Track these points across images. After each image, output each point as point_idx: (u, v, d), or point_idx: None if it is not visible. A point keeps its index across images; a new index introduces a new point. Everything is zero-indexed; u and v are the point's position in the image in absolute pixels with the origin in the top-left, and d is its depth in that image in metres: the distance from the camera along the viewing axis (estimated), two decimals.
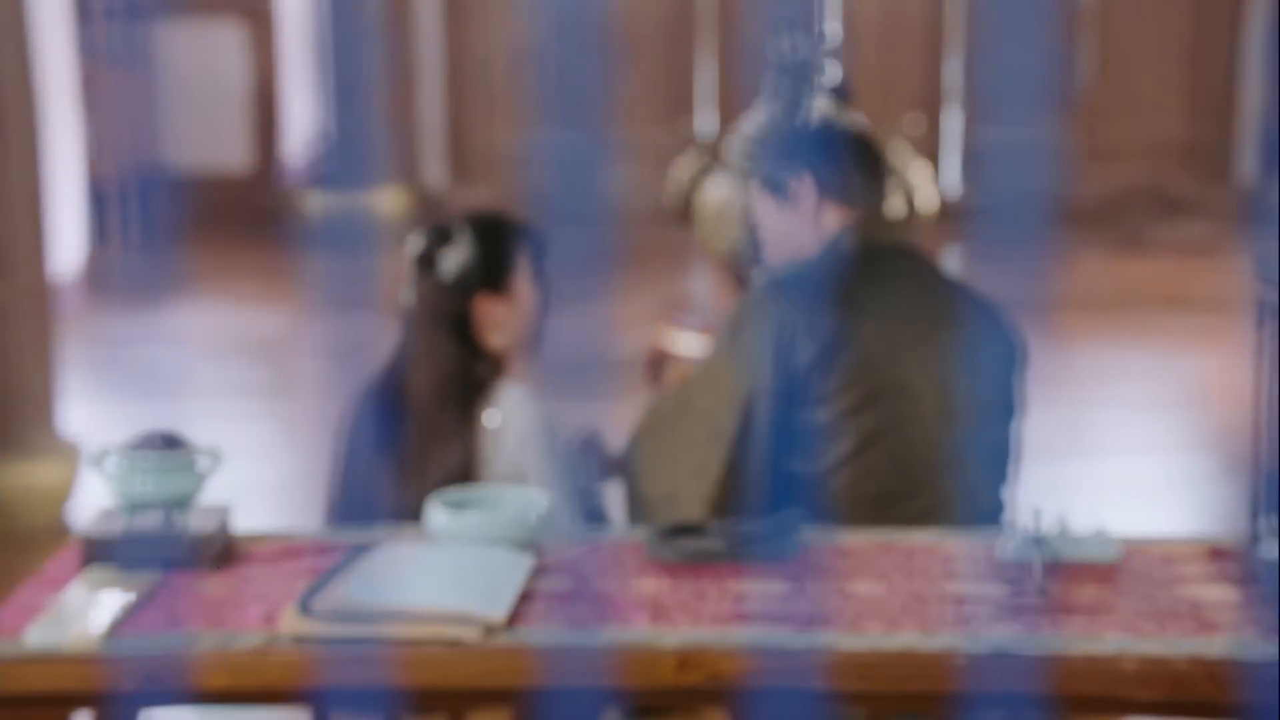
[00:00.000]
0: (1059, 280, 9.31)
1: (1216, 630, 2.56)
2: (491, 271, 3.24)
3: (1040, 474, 3.92)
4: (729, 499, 3.16)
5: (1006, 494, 3.34)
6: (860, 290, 3.24)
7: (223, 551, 2.85)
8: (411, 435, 3.20)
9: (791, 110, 4.78)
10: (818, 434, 3.21)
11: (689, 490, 3.22)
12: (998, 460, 3.32)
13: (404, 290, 3.29)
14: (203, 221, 9.84)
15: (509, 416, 3.16)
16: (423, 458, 3.18)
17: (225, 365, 7.82)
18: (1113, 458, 6.36)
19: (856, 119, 4.81)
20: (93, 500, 2.89)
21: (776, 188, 3.36)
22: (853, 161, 3.36)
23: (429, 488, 3.05)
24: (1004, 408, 3.33)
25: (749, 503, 3.13)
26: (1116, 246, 10.64)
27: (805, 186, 3.33)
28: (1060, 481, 5.43)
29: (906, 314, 3.24)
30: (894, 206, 4.74)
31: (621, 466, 3.38)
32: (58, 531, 5.28)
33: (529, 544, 2.84)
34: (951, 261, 8.58)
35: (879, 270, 3.28)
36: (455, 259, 3.24)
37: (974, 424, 3.21)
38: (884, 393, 3.20)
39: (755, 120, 4.91)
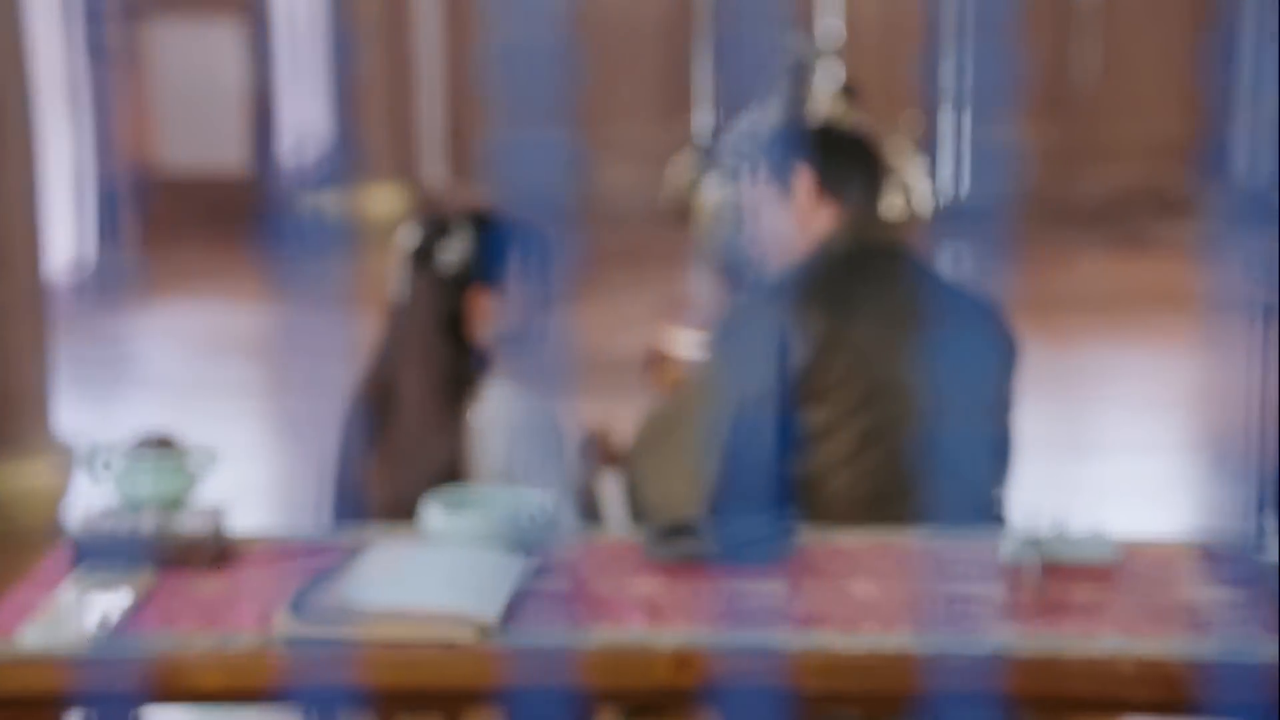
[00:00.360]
0: (1058, 279, 9.30)
1: (1214, 631, 2.55)
2: (486, 265, 3.22)
3: (1039, 474, 3.91)
4: (726, 502, 3.15)
5: (1003, 491, 3.33)
6: (852, 291, 3.23)
7: (217, 552, 2.84)
8: (401, 431, 3.19)
9: (792, 107, 4.78)
10: (813, 435, 3.20)
11: (686, 495, 3.20)
12: (993, 457, 3.31)
13: (396, 285, 3.27)
14: (199, 221, 9.82)
15: (497, 413, 3.15)
16: (412, 454, 3.17)
17: (221, 365, 7.80)
18: (1112, 458, 6.35)
19: (860, 118, 4.80)
20: (87, 501, 2.88)
21: (774, 181, 3.35)
22: (851, 160, 3.35)
23: (418, 485, 3.04)
24: (998, 404, 3.32)
25: (745, 505, 3.11)
26: (1116, 246, 10.63)
27: (803, 181, 3.32)
28: (1059, 482, 5.42)
29: (898, 314, 3.22)
30: (891, 205, 4.74)
31: (624, 469, 3.37)
32: (52, 532, 5.27)
33: (523, 544, 2.82)
34: (950, 260, 8.56)
35: (870, 270, 3.27)
36: (452, 252, 3.22)
37: (968, 421, 3.20)
38: (877, 393, 3.18)
39: (753, 118, 4.90)
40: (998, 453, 3.32)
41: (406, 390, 3.19)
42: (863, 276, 3.26)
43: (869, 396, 3.18)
